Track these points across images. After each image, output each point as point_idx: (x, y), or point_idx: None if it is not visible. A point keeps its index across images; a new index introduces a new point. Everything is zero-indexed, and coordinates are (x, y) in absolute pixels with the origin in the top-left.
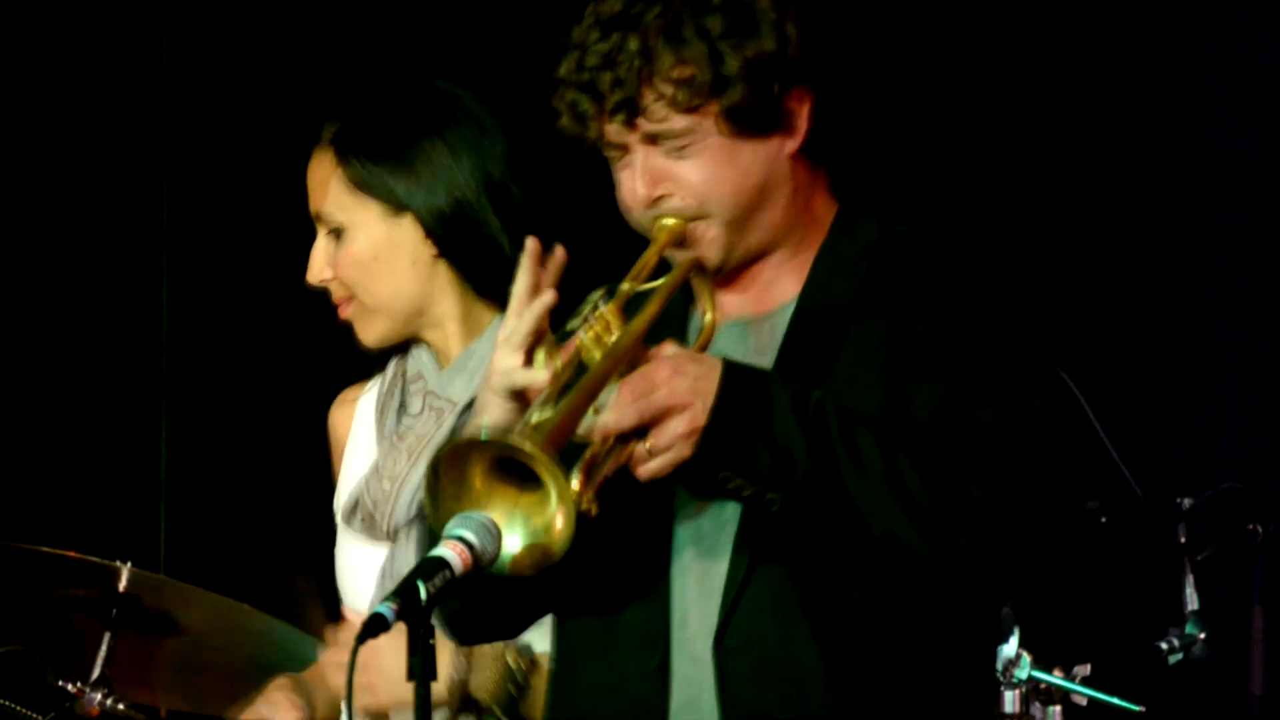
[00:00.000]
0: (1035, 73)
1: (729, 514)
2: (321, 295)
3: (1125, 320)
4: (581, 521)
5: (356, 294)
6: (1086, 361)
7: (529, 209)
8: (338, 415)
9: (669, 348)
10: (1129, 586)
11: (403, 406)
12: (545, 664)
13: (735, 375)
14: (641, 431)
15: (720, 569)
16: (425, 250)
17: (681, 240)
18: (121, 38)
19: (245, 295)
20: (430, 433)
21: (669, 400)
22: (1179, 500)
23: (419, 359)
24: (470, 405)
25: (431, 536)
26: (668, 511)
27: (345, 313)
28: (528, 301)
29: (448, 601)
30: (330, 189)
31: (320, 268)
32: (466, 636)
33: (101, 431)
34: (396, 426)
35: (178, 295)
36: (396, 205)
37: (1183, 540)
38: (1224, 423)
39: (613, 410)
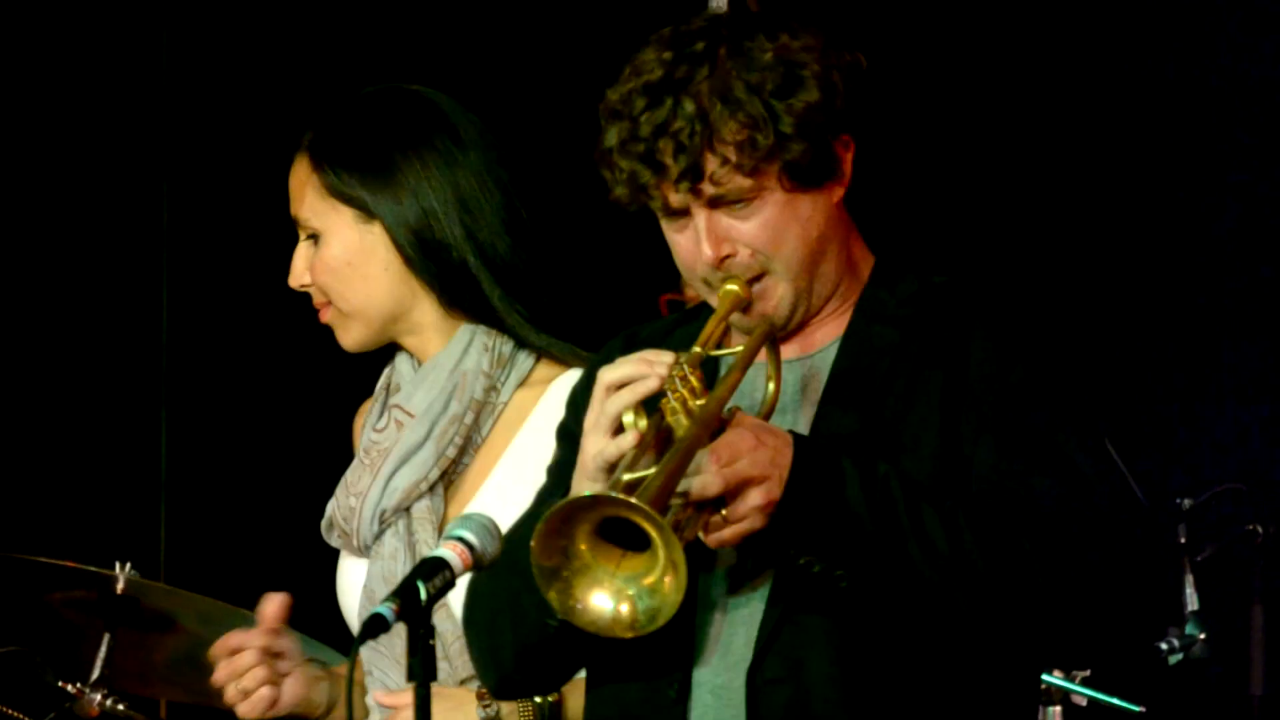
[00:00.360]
0: (1031, 72)
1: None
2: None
3: (1126, 321)
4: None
5: (332, 299)
6: (1088, 363)
7: (505, 221)
8: (357, 425)
9: (748, 417)
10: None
11: (380, 419)
12: (571, 694)
13: (808, 450)
14: (719, 500)
15: (749, 605)
16: (396, 258)
17: (746, 306)
18: (121, 38)
19: (245, 296)
20: (389, 445)
21: (751, 470)
22: (1179, 500)
23: (400, 370)
24: (433, 414)
25: (539, 606)
26: (701, 547)
27: (325, 317)
28: (616, 386)
29: (505, 670)
30: (306, 195)
31: (300, 272)
32: (512, 693)
33: (101, 433)
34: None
35: (178, 295)
36: (367, 213)
37: (1183, 540)
38: (1224, 423)
39: (701, 476)
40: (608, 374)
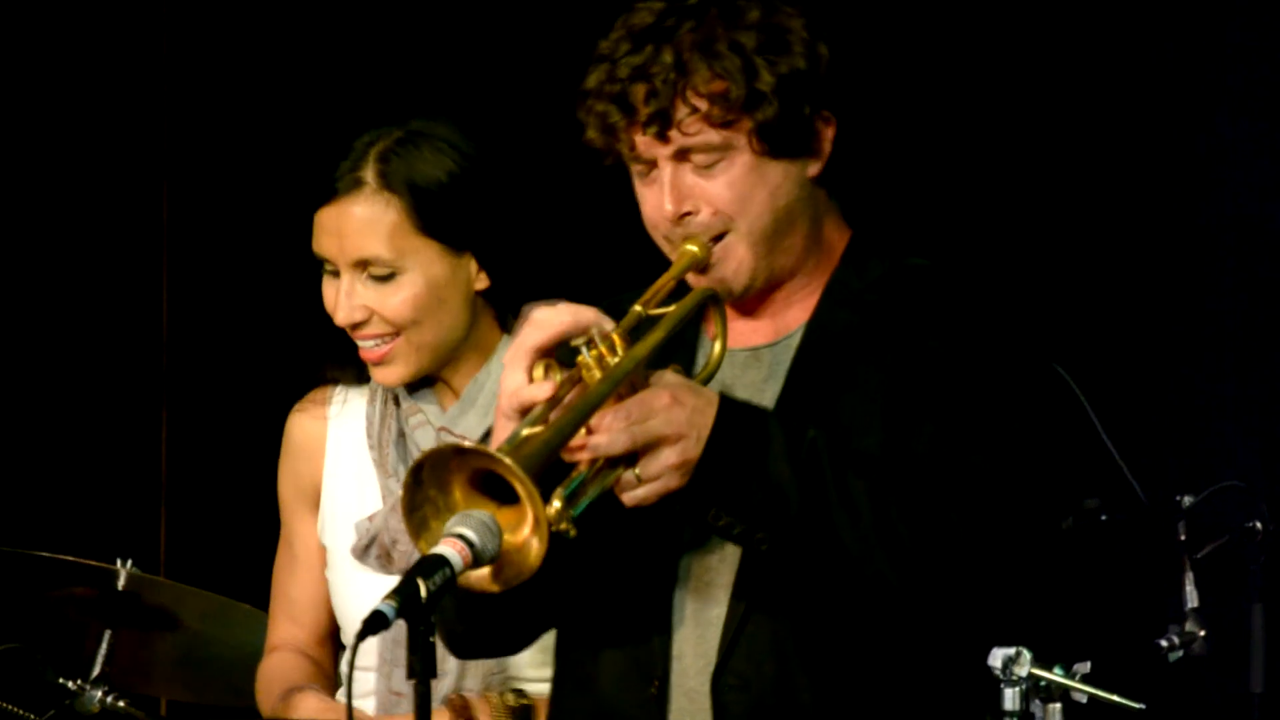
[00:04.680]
0: (1033, 72)
1: (729, 552)
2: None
3: (1126, 320)
4: (564, 543)
5: (406, 334)
6: (1087, 361)
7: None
8: (305, 426)
9: (670, 375)
10: (1129, 584)
11: (402, 437)
12: (543, 707)
13: (733, 411)
14: (632, 458)
15: (717, 606)
16: (476, 285)
17: (703, 267)
18: (121, 36)
19: (245, 294)
20: None
21: (663, 429)
22: (1179, 498)
23: (414, 390)
24: (486, 436)
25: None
26: (671, 544)
27: (381, 354)
28: (542, 323)
29: (446, 618)
30: (383, 233)
31: (356, 309)
32: (464, 651)
33: (101, 431)
34: (401, 461)
35: (178, 295)
36: (458, 246)
37: (1183, 538)
38: (1224, 423)
39: (604, 433)
40: (539, 314)
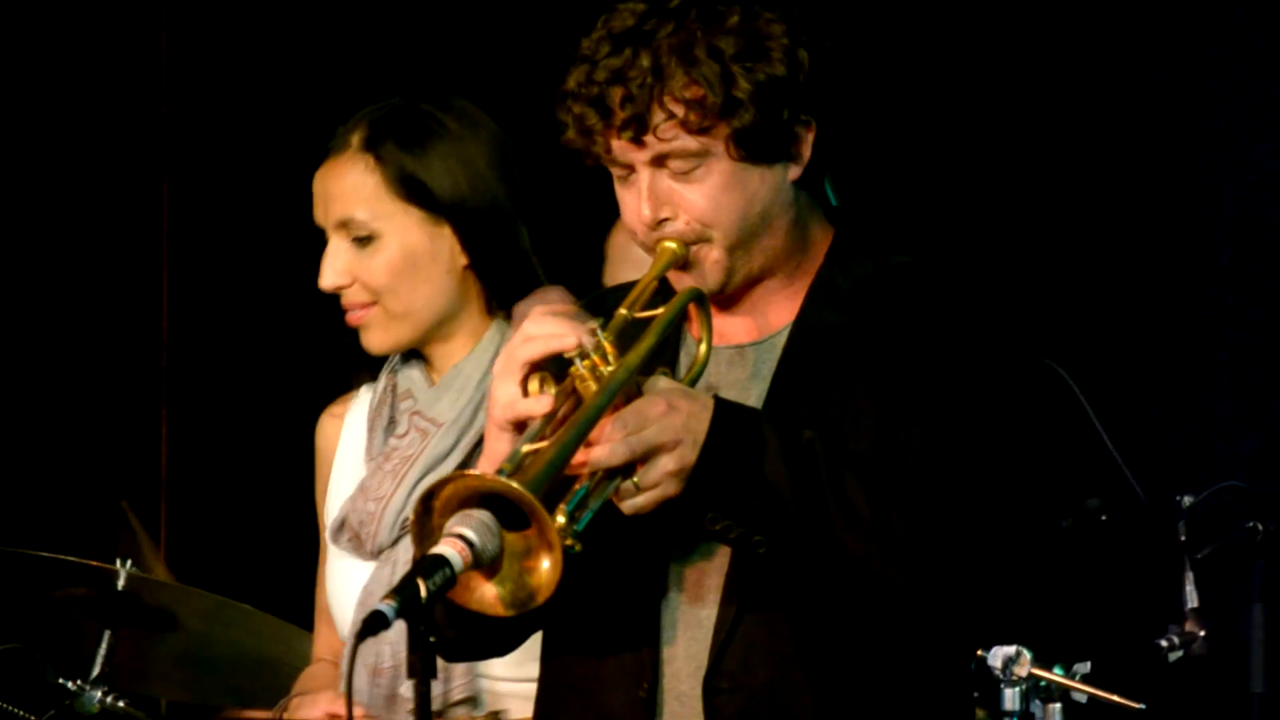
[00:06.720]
0: (1035, 72)
1: (718, 553)
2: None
3: (1126, 320)
4: (566, 558)
5: (383, 301)
6: (1088, 361)
7: (531, 224)
8: (325, 428)
9: (663, 382)
10: (1129, 584)
11: (391, 424)
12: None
13: (727, 415)
14: (630, 467)
15: (707, 608)
16: (460, 260)
17: (683, 264)
18: (121, 37)
19: (246, 295)
20: (414, 453)
21: (660, 437)
22: (1179, 498)
23: (409, 375)
24: (460, 424)
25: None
26: (661, 547)
27: (360, 319)
28: (534, 336)
29: (437, 624)
30: (363, 195)
31: (338, 273)
32: (454, 656)
33: (101, 431)
34: (383, 445)
35: (178, 295)
36: (437, 213)
37: (1183, 538)
38: (1224, 423)
39: (603, 445)
40: (529, 326)
